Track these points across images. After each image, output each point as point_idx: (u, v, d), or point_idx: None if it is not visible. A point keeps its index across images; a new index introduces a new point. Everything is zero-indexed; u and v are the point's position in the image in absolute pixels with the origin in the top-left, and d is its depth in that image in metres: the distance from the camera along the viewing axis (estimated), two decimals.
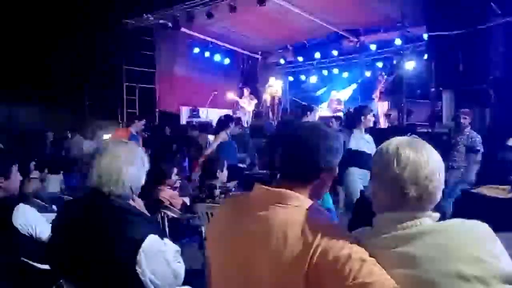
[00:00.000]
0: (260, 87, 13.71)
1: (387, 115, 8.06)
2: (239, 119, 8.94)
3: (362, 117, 4.86)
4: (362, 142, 4.72)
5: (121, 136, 6.36)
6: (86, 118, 11.46)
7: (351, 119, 5.15)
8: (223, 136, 6.22)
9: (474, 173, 5.22)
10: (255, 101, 12.33)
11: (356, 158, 4.57)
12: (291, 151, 1.35)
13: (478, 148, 5.27)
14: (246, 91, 12.46)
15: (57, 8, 10.79)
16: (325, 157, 1.34)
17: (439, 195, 1.23)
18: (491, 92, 6.72)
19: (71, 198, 3.54)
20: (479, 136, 5.34)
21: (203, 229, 3.82)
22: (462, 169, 5.32)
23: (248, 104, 12.28)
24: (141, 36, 11.39)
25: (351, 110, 7.14)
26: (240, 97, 12.48)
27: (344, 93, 12.19)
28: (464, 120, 5.44)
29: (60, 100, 11.09)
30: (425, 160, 1.20)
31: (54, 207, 3.49)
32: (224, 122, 6.50)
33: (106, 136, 9.52)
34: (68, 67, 11.04)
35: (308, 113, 5.92)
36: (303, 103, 12.21)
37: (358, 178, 4.59)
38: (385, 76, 10.76)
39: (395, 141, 1.26)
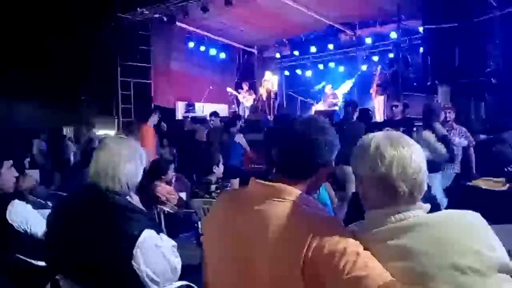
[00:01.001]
0: (256, 82, 13.68)
1: (395, 106, 8.08)
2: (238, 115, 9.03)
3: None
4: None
5: (149, 133, 6.34)
6: (81, 113, 11.41)
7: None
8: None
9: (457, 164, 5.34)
10: (254, 95, 12.32)
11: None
12: (290, 146, 1.34)
13: (474, 142, 5.34)
14: (245, 86, 12.43)
15: (51, 3, 10.71)
16: (324, 152, 1.33)
17: (426, 185, 1.23)
18: (494, 81, 6.71)
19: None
20: (464, 128, 5.44)
21: (199, 224, 3.82)
22: (457, 162, 5.34)
23: (247, 99, 12.27)
24: (136, 31, 11.31)
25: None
26: (239, 92, 12.46)
27: (343, 89, 12.17)
28: (449, 115, 5.51)
29: (55, 96, 11.02)
30: (408, 155, 1.19)
31: (49, 203, 3.47)
32: (232, 121, 6.56)
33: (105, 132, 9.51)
34: (63, 63, 10.96)
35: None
36: (300, 98, 12.22)
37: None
38: (379, 69, 10.74)
39: (373, 139, 1.24)
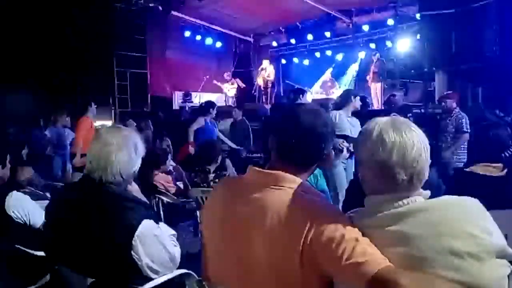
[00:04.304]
0: (253, 71, 13.62)
1: (393, 95, 8.10)
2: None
3: (352, 97, 4.82)
4: (346, 124, 4.66)
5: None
6: (77, 104, 11.33)
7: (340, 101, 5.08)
8: (200, 121, 6.22)
9: (464, 152, 5.33)
10: (236, 85, 12.27)
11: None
12: (296, 138, 1.33)
13: (465, 129, 5.38)
14: (226, 76, 12.35)
15: None
16: (328, 144, 1.36)
17: (427, 172, 1.23)
18: (486, 71, 6.72)
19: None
20: (465, 117, 5.46)
21: (198, 213, 3.83)
22: (452, 149, 5.41)
23: (228, 89, 12.21)
24: (131, 20, 11.20)
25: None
26: (223, 83, 12.38)
27: (348, 77, 12.20)
28: (449, 101, 5.58)
29: (51, 87, 10.94)
30: (410, 142, 1.19)
31: (48, 194, 3.48)
32: (204, 108, 6.49)
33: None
34: (58, 53, 10.86)
35: (301, 96, 5.86)
36: (296, 86, 12.20)
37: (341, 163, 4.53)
38: (377, 56, 10.69)
39: (377, 125, 1.24)
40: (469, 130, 5.39)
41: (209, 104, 6.59)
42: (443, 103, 5.69)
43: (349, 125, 4.62)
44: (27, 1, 10.38)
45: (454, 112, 5.54)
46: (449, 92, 6.17)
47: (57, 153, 7.39)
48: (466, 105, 6.95)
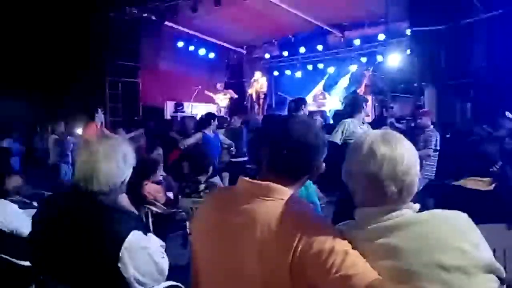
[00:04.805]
0: (245, 82, 13.67)
1: (391, 108, 8.16)
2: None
3: (364, 104, 4.80)
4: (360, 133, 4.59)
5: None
6: (69, 113, 11.27)
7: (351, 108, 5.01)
8: (196, 136, 6.16)
9: (430, 169, 5.46)
10: (229, 96, 12.29)
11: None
12: (288, 150, 1.33)
13: (430, 147, 5.48)
14: (219, 86, 12.36)
15: (39, 2, 10.56)
16: (319, 156, 1.36)
17: (416, 186, 1.23)
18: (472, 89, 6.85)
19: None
20: (436, 136, 5.54)
21: (187, 224, 3.81)
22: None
23: (221, 100, 12.22)
24: (124, 30, 11.21)
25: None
26: (216, 93, 12.39)
27: (339, 88, 12.30)
28: (421, 120, 5.70)
29: (43, 96, 10.87)
30: (400, 155, 1.20)
31: (35, 203, 3.43)
32: (205, 120, 6.44)
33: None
34: (50, 62, 10.81)
35: (302, 106, 5.79)
36: (289, 98, 12.29)
37: None
38: (371, 70, 10.82)
39: (368, 138, 1.25)
40: (436, 148, 5.48)
41: (210, 116, 6.54)
42: (418, 120, 5.82)
43: (363, 133, 4.55)
44: (19, 10, 10.36)
45: (426, 130, 5.62)
46: (425, 110, 6.37)
47: (61, 161, 7.42)
48: (455, 120, 7.04)
